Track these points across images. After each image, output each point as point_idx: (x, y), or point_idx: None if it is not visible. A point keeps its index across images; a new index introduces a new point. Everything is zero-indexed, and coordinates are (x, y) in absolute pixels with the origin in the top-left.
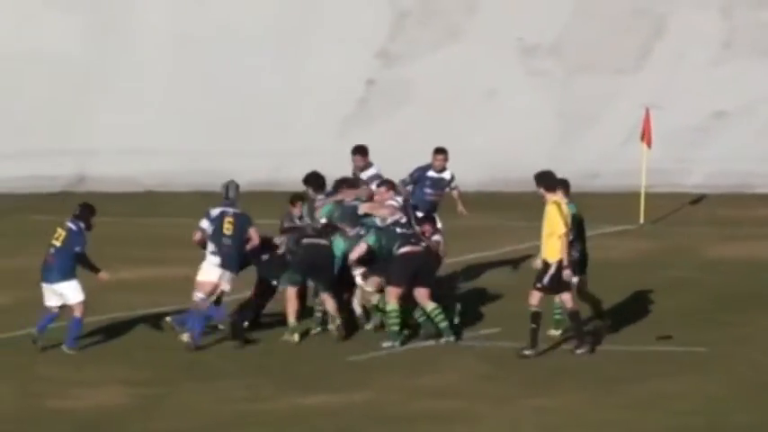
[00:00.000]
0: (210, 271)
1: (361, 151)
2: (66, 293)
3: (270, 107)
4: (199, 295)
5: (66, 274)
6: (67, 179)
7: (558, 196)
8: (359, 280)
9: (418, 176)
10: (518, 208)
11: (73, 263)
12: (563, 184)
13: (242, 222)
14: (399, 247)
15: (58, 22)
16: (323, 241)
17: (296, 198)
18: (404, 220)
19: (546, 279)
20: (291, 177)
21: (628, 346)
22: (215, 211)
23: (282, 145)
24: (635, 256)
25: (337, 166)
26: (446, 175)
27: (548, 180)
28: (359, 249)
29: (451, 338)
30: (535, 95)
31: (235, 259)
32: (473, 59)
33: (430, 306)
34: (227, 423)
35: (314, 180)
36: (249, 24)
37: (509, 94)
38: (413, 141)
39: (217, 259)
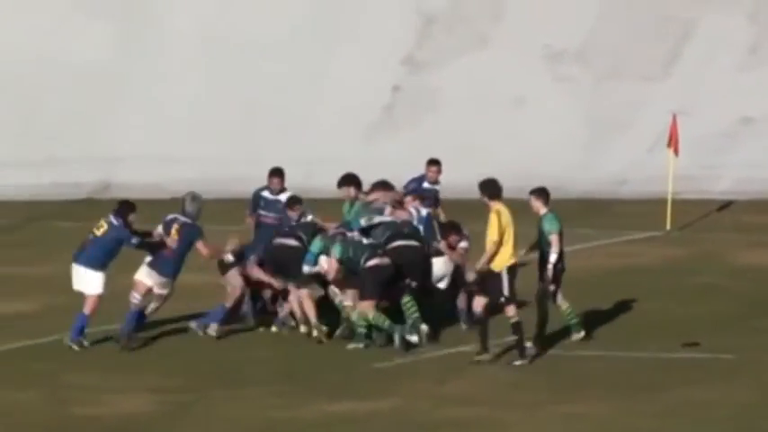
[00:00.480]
0: (143, 272)
1: (278, 174)
2: (86, 281)
3: (295, 114)
4: (135, 295)
5: (95, 264)
6: (93, 186)
7: (500, 205)
8: (337, 297)
9: (414, 188)
10: None
11: (106, 258)
12: (542, 194)
13: (189, 233)
14: (367, 260)
15: (84, 29)
16: (292, 242)
17: (293, 201)
18: (400, 223)
19: (505, 290)
20: (314, 184)
21: (655, 353)
22: (168, 217)
23: (308, 152)
24: (662, 262)
25: (363, 173)
26: (439, 187)
27: (491, 188)
28: (333, 268)
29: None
30: (562, 102)
31: (170, 265)
32: (500, 66)
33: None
34: (255, 430)
35: (355, 179)
36: (275, 30)
37: (536, 101)
38: (439, 148)
39: (149, 259)
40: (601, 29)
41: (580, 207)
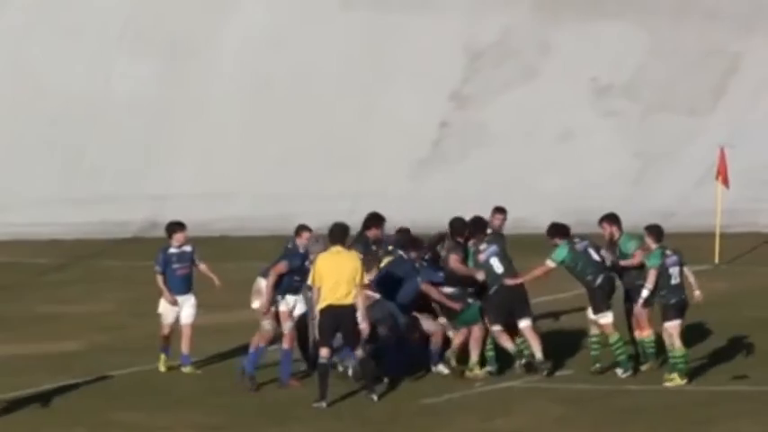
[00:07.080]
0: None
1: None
2: None
3: (343, 150)
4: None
5: None
6: (140, 224)
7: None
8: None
9: None
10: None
11: None
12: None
13: None
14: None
15: (129, 68)
16: None
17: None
18: None
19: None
20: (358, 220)
21: (703, 385)
22: None
23: (357, 187)
24: (710, 296)
25: (412, 208)
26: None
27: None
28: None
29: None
30: (610, 136)
31: None
32: (547, 100)
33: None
34: None
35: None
36: (323, 67)
37: (584, 135)
38: (487, 183)
39: None
40: (648, 63)
41: None
